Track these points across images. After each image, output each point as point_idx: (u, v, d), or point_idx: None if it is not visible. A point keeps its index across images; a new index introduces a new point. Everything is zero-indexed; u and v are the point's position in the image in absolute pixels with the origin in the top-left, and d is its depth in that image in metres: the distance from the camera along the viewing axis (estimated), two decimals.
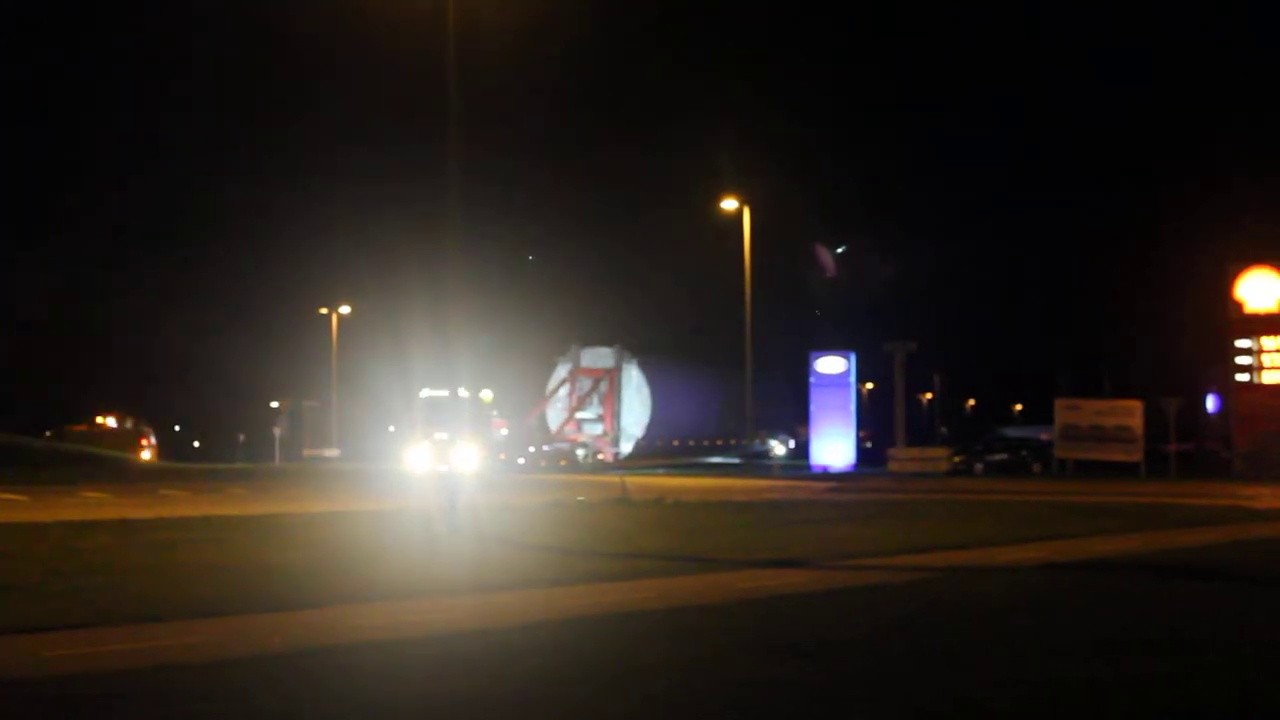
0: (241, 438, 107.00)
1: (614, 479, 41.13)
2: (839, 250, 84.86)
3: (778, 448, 79.08)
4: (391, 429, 79.09)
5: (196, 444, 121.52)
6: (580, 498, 36.44)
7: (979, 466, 65.47)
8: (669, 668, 11.20)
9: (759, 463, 73.59)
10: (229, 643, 12.47)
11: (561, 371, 76.94)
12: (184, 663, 11.34)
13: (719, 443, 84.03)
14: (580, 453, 73.18)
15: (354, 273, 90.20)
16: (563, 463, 69.86)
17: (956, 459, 66.15)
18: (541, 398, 77.00)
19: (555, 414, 76.54)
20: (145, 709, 9.64)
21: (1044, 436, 68.53)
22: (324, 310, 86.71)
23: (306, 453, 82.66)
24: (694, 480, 53.03)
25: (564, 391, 76.39)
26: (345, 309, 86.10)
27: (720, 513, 32.27)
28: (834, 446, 70.48)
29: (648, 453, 76.83)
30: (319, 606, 14.88)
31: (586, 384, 76.26)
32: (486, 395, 73.42)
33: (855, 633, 13.10)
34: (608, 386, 76.05)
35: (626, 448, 77.02)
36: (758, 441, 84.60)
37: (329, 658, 11.69)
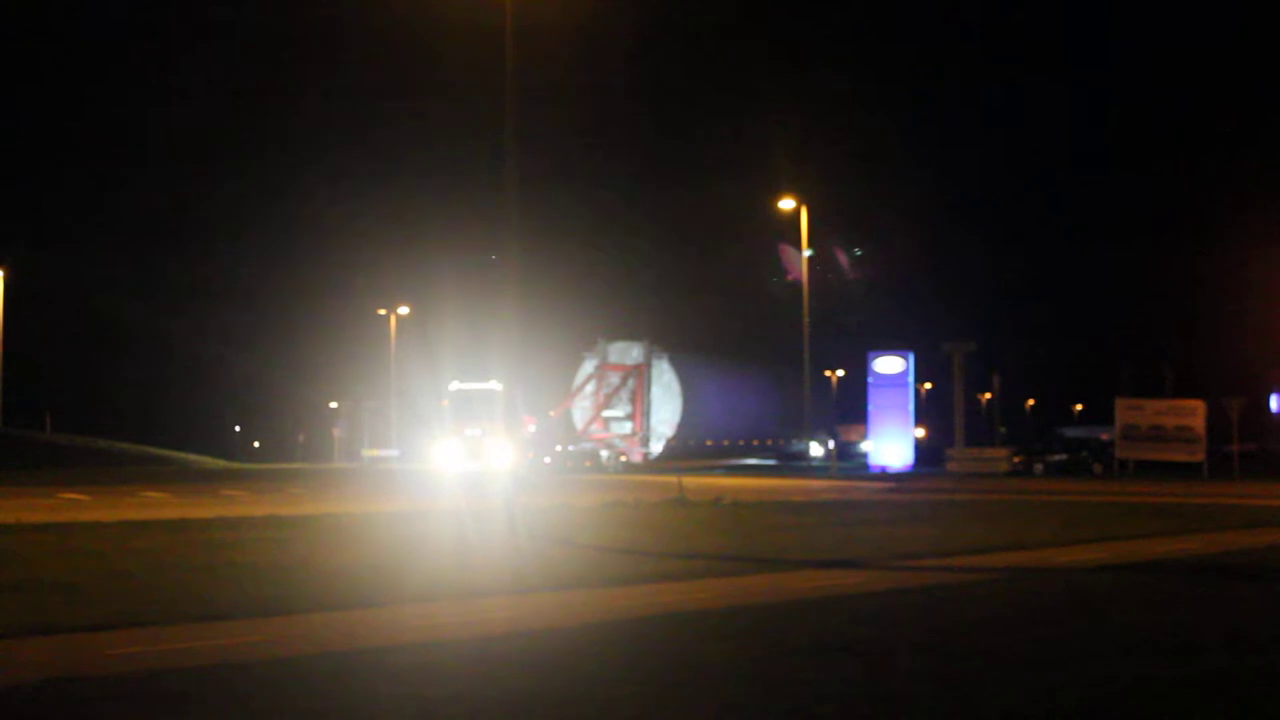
0: (301, 438, 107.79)
1: (670, 479, 41.10)
2: (856, 251, 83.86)
3: (816, 448, 78.50)
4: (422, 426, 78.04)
5: (256, 444, 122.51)
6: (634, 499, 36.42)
7: (1038, 467, 65.04)
8: (726, 668, 11.17)
9: (797, 464, 73.25)
10: (289, 641, 12.53)
11: (588, 367, 74.05)
12: (244, 661, 11.40)
13: (754, 443, 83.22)
14: (604, 454, 69.62)
15: (412, 274, 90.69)
16: (587, 464, 67.03)
17: (1016, 459, 65.72)
18: (567, 394, 74.19)
19: (581, 412, 73.54)
20: (206, 707, 9.69)
21: (1104, 437, 68.05)
22: (383, 311, 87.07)
23: (366, 453, 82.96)
24: (750, 480, 52.93)
25: (590, 388, 73.41)
26: (404, 310, 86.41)
27: (778, 513, 32.18)
28: (892, 446, 70.14)
29: (680, 453, 74.54)
30: (378, 606, 14.93)
31: (614, 380, 73.23)
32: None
33: (913, 634, 13.02)
34: (636, 383, 72.94)
35: (657, 448, 74.35)
36: (795, 442, 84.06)
37: (387, 656, 11.72)
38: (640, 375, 72.71)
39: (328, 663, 11.42)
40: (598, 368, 73.10)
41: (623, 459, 69.35)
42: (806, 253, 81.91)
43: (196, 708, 9.66)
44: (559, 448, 68.24)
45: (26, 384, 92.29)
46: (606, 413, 72.09)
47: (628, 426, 72.02)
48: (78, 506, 31.99)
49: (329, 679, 10.72)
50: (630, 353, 73.58)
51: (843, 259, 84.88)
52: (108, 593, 15.54)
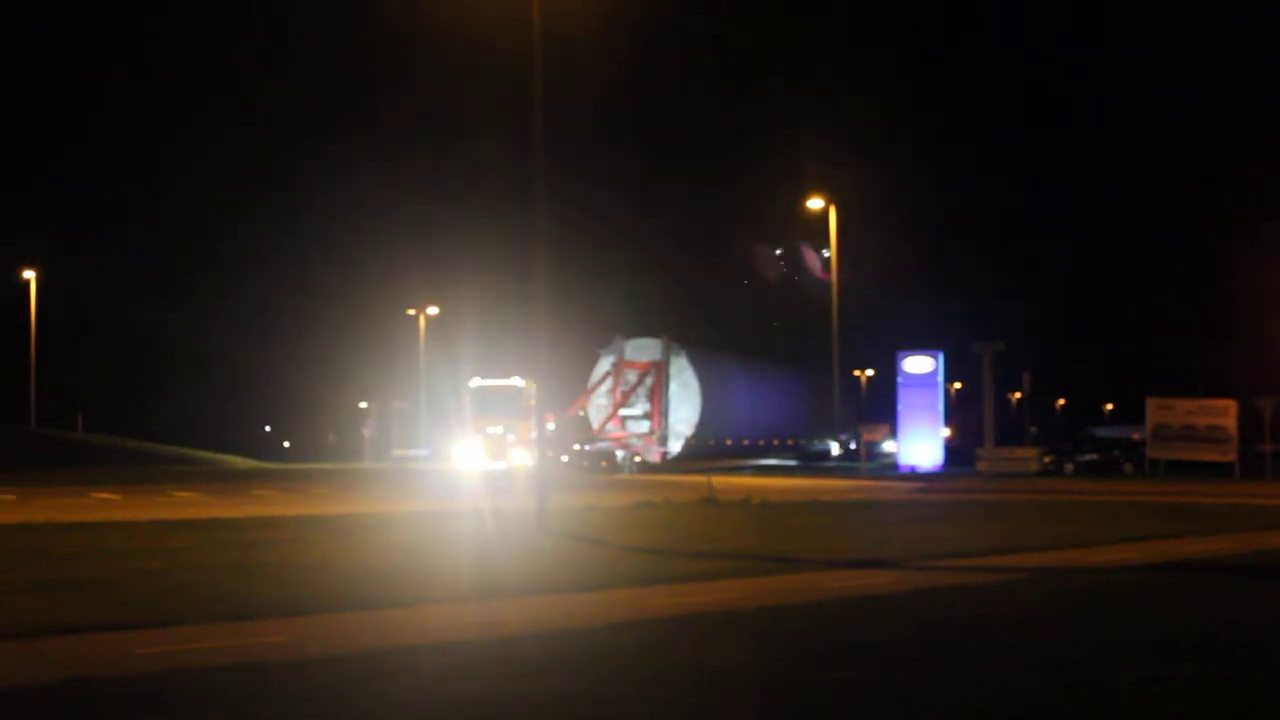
0: (331, 438, 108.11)
1: (698, 479, 41.06)
2: (825, 254, 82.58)
3: (836, 449, 77.98)
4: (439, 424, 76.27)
5: (287, 444, 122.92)
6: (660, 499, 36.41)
7: (1069, 467, 64.76)
8: (753, 668, 11.16)
9: (819, 464, 72.94)
10: (317, 641, 12.55)
11: (605, 365, 71.48)
12: (272, 660, 11.42)
13: (774, 443, 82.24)
14: (620, 454, 66.85)
15: (441, 274, 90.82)
16: (603, 464, 64.54)
17: (1046, 459, 65.43)
18: (582, 392, 71.47)
19: (597, 410, 70.99)
20: (233, 706, 9.71)
21: (1135, 436, 67.71)
22: (412, 311, 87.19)
23: (395, 452, 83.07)
24: (778, 480, 52.87)
25: (607, 386, 70.95)
26: (433, 310, 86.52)
27: (807, 513, 32.12)
28: (922, 446, 69.92)
29: (699, 453, 72.67)
30: (407, 606, 14.95)
31: (632, 378, 70.44)
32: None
33: (941, 634, 12.98)
34: (654, 381, 70.17)
35: (675, 447, 72.01)
36: (816, 442, 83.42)
37: (417, 657, 11.73)
38: (658, 373, 70.42)
39: (358, 662, 11.44)
40: (614, 365, 70.90)
41: (637, 459, 67.40)
42: (826, 252, 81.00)
43: (225, 707, 9.68)
44: (576, 446, 66.09)
45: (59, 384, 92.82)
46: (624, 411, 69.83)
47: (645, 425, 69.90)
48: (109, 506, 32.14)
49: (359, 679, 10.73)
50: (648, 349, 71.47)
51: (813, 260, 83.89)
52: (138, 592, 15.61)
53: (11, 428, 76.88)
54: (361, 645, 12.30)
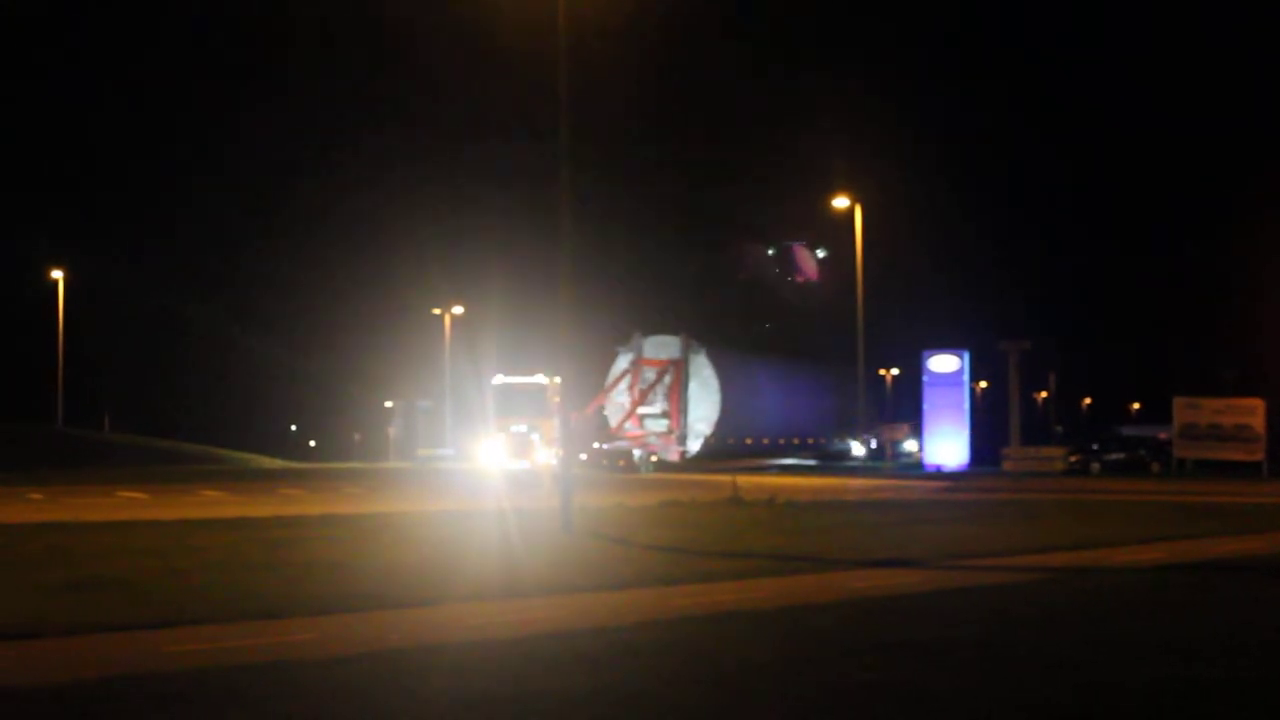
0: (357, 437, 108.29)
1: (723, 479, 41.00)
2: (820, 254, 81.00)
3: (857, 448, 77.54)
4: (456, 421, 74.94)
5: (312, 443, 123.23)
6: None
7: (1095, 466, 64.47)
8: (779, 667, 11.16)
9: (839, 464, 72.63)
10: (344, 639, 12.58)
11: (623, 362, 69.83)
12: (300, 659, 11.46)
13: (794, 442, 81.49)
14: (637, 454, 65.16)
15: (467, 273, 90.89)
16: (620, 463, 62.95)
17: (1072, 458, 65.14)
18: (600, 390, 69.58)
19: (615, 409, 68.96)
20: (260, 704, 9.75)
21: (1162, 436, 67.39)
22: (437, 311, 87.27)
23: (420, 452, 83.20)
24: (803, 480, 52.78)
25: (625, 384, 69.25)
26: (458, 309, 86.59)
27: (833, 512, 32.07)
28: (947, 446, 69.71)
29: (718, 452, 71.69)
30: (434, 604, 14.98)
31: (650, 376, 68.82)
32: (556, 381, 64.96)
33: (967, 633, 12.96)
34: (673, 379, 68.64)
35: (694, 446, 70.58)
36: (837, 441, 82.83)
37: (443, 655, 11.76)
38: (677, 371, 68.97)
39: (384, 661, 11.47)
40: (633, 362, 69.35)
41: (654, 459, 65.85)
42: (821, 253, 79.78)
43: (253, 705, 9.71)
44: (596, 445, 64.35)
45: (85, 384, 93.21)
46: (642, 409, 68.32)
47: (664, 424, 68.51)
48: (137, 505, 32.27)
49: (385, 677, 10.76)
50: (667, 346, 70.00)
51: (802, 259, 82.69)
52: (166, 590, 15.68)
53: (39, 427, 77.24)
54: (388, 644, 12.33)
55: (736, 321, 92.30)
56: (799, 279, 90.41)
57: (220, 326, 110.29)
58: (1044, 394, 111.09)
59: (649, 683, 10.51)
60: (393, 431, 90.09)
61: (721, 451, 70.41)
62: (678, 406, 68.46)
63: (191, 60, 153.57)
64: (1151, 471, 62.80)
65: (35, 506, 31.26)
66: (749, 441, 75.25)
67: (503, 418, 55.35)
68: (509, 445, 53.98)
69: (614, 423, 67.72)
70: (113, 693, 10.05)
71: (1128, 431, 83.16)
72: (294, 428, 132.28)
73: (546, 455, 49.87)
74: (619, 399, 69.28)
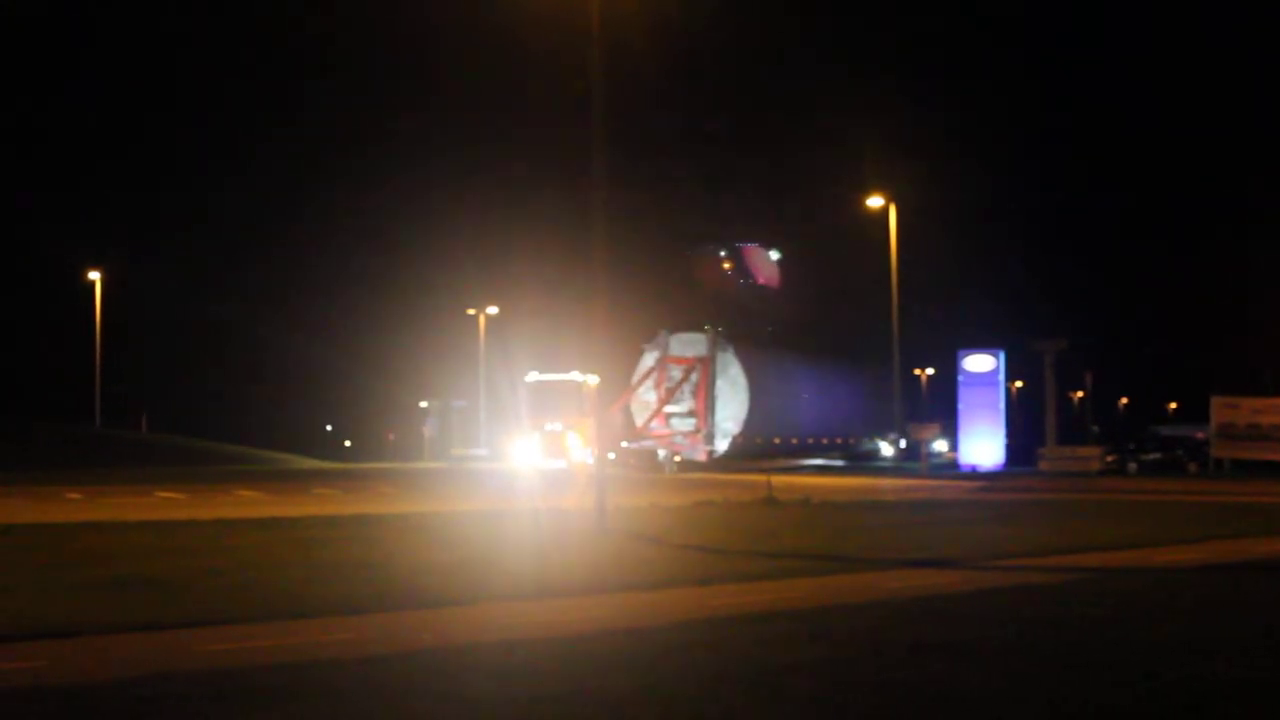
0: (391, 437, 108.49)
1: (756, 478, 40.93)
2: (774, 256, 79.42)
3: (886, 448, 77.14)
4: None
5: (348, 443, 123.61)
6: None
7: (1132, 466, 64.20)
8: (815, 667, 11.11)
9: (868, 464, 72.34)
10: (378, 639, 12.59)
11: (648, 360, 68.16)
12: (334, 658, 11.47)
13: (823, 441, 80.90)
14: (662, 453, 64.36)
15: (501, 274, 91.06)
16: (645, 463, 62.00)
17: (1109, 458, 64.89)
18: (625, 388, 67.91)
19: (641, 407, 67.71)
20: (297, 704, 9.75)
21: (1200, 435, 67.08)
22: (471, 311, 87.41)
23: (455, 452, 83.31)
24: (839, 480, 52.67)
25: (650, 383, 67.70)
26: (493, 309, 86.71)
27: (868, 513, 31.99)
28: (982, 446, 69.50)
29: (745, 452, 70.77)
30: (469, 604, 14.98)
31: (677, 374, 67.34)
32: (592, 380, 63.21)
33: (1004, 634, 12.89)
34: (700, 377, 67.03)
35: (722, 446, 68.84)
36: (865, 441, 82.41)
37: (478, 655, 11.75)
38: (704, 368, 67.38)
39: (419, 660, 11.47)
40: (659, 360, 67.83)
41: (677, 459, 64.66)
42: (775, 255, 78.42)
43: (288, 705, 9.71)
44: (624, 444, 63.41)
45: (122, 384, 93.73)
46: (669, 408, 66.99)
47: (691, 423, 66.97)
48: (173, 505, 32.40)
49: (420, 677, 10.76)
50: (694, 344, 68.36)
51: (756, 262, 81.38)
52: (202, 590, 15.72)
53: (77, 428, 77.76)
54: (423, 643, 12.33)
55: (755, 321, 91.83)
56: (760, 282, 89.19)
57: (256, 327, 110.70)
58: (1080, 393, 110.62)
59: (685, 683, 10.48)
60: (427, 431, 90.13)
61: (749, 451, 69.70)
62: (705, 405, 67.21)
63: (225, 60, 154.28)
64: (1189, 471, 62.51)
65: (73, 506, 31.42)
66: (777, 441, 74.55)
67: (537, 416, 55.03)
68: (544, 444, 53.72)
69: (640, 422, 66.82)
70: (148, 692, 10.06)
71: (1165, 431, 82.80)
72: (329, 428, 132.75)
73: (582, 454, 49.76)
74: (645, 397, 68.06)
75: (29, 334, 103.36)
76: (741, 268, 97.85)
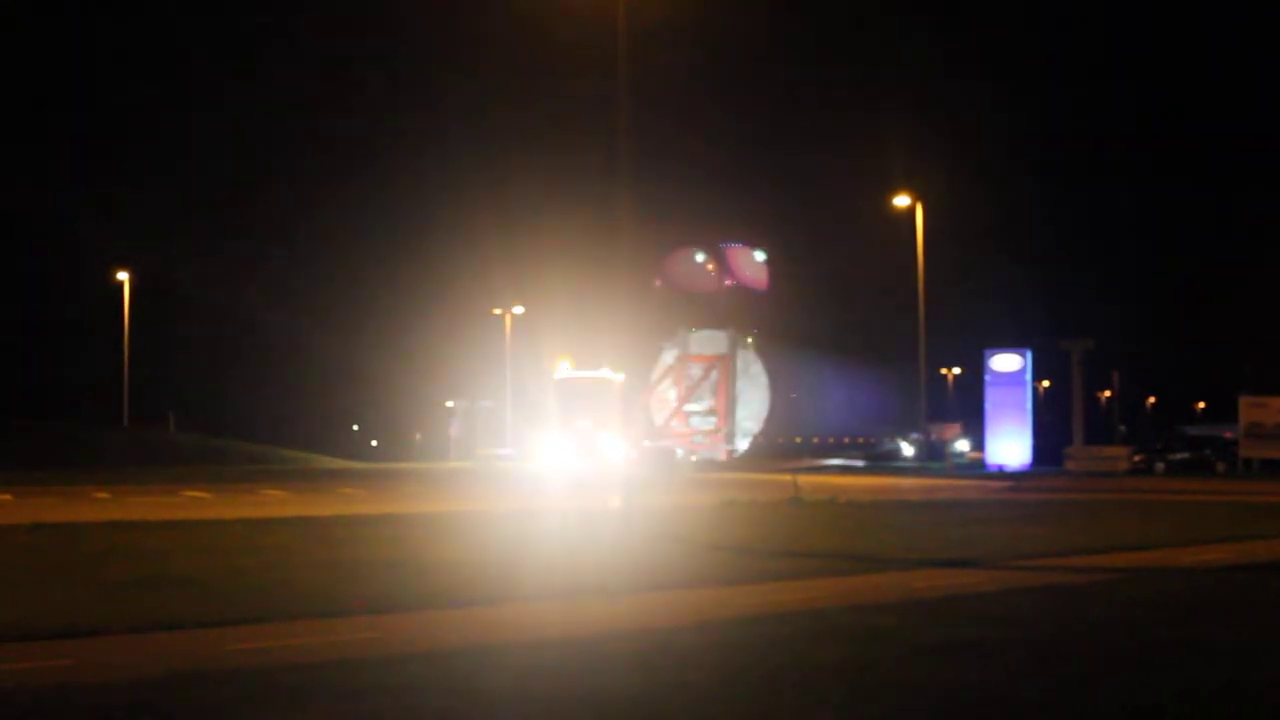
0: (418, 437, 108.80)
1: (781, 478, 40.89)
2: (759, 257, 78.10)
3: (907, 448, 76.88)
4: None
5: (374, 443, 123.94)
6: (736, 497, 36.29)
7: (1160, 466, 63.93)
8: (840, 667, 11.08)
9: (888, 463, 72.09)
10: (405, 638, 12.60)
11: (667, 358, 67.76)
12: (362, 658, 11.48)
13: (845, 440, 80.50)
14: (680, 452, 63.50)
15: (527, 274, 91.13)
16: (663, 462, 60.19)
17: (1136, 458, 64.63)
18: (645, 386, 66.76)
19: (659, 406, 67.17)
20: (322, 702, 9.76)
21: (1228, 435, 66.78)
22: (498, 311, 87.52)
23: (480, 451, 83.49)
24: (865, 480, 52.58)
25: (669, 381, 67.28)
26: (519, 309, 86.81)
27: (894, 512, 31.94)
28: (1009, 445, 69.28)
29: (766, 451, 69.59)
30: (493, 603, 14.98)
31: (696, 372, 66.87)
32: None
33: (1030, 634, 12.84)
34: (720, 375, 66.54)
35: (743, 445, 68.21)
36: (886, 441, 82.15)
37: (503, 654, 11.75)
38: (725, 367, 66.88)
39: (444, 660, 11.47)
40: (678, 359, 67.47)
41: (694, 458, 63.70)
42: (759, 255, 77.42)
43: (315, 704, 9.73)
44: (646, 443, 61.87)
45: (150, 384, 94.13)
46: (688, 407, 66.50)
47: (711, 422, 66.51)
48: (201, 504, 32.52)
49: (445, 676, 10.75)
50: (714, 342, 67.89)
51: (738, 263, 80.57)
52: (229, 589, 15.76)
53: (105, 427, 78.07)
54: (448, 643, 12.33)
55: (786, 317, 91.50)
56: (742, 284, 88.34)
57: (284, 327, 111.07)
58: (1108, 393, 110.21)
59: (711, 683, 10.46)
60: (454, 431, 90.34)
61: (770, 450, 69.12)
62: (726, 404, 66.61)
63: (253, 58, 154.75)
64: (1217, 471, 62.20)
65: (101, 505, 31.55)
66: (798, 440, 74.39)
67: (566, 414, 54.75)
68: (574, 443, 53.49)
69: (660, 420, 66.16)
70: (175, 690, 10.08)
71: (1193, 431, 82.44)
72: (356, 428, 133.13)
73: (611, 452, 49.70)
74: (664, 396, 67.44)
75: (57, 335, 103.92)
76: (719, 268, 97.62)
